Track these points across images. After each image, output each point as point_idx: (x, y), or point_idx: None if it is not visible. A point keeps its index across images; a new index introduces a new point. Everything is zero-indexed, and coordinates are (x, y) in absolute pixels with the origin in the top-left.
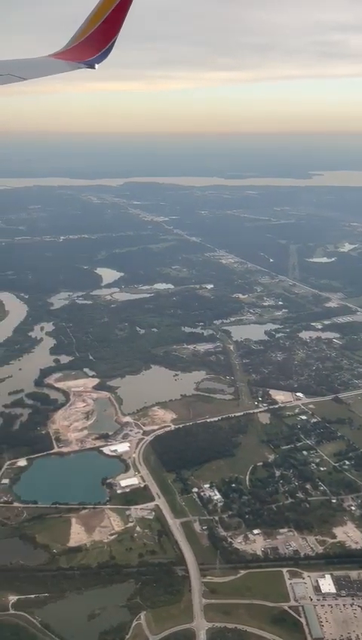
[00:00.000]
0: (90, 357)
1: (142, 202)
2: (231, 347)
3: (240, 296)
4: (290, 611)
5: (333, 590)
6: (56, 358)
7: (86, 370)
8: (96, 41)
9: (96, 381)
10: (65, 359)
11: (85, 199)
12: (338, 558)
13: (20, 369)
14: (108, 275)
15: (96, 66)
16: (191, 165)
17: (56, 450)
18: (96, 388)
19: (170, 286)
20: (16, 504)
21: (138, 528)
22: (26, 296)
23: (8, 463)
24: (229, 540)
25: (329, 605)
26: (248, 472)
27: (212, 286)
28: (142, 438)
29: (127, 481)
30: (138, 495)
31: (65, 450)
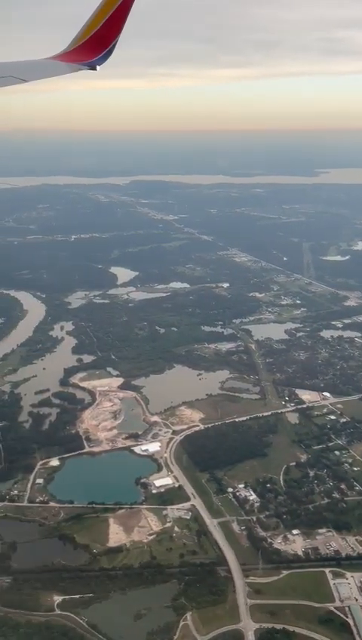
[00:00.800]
0: (113, 356)
1: (150, 201)
2: (253, 346)
3: (257, 294)
4: (337, 612)
5: None
6: (79, 357)
7: (109, 369)
8: (97, 43)
9: (120, 380)
10: (87, 359)
11: (93, 198)
12: None
13: (44, 368)
14: (123, 274)
15: (98, 67)
16: (196, 163)
17: (87, 449)
18: (122, 387)
19: (186, 285)
20: (52, 504)
21: (176, 528)
22: (43, 296)
23: (41, 462)
24: (269, 540)
25: None
26: (281, 473)
27: (228, 285)
28: (172, 438)
29: (161, 481)
30: (173, 495)
31: (96, 449)
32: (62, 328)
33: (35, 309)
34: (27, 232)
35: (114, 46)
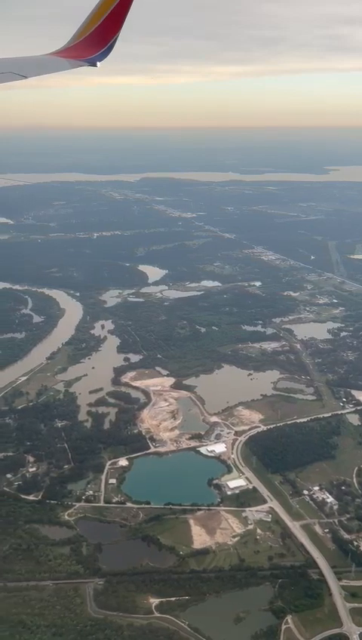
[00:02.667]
0: (159, 355)
1: (165, 198)
2: (298, 346)
3: (292, 293)
4: None
5: None
6: (126, 356)
7: (158, 368)
8: (97, 39)
9: (171, 380)
10: (134, 358)
11: (107, 195)
12: None
13: (93, 367)
14: (152, 272)
15: (98, 63)
16: (202, 160)
17: (153, 449)
18: (174, 387)
19: (217, 283)
20: (129, 504)
21: (259, 531)
22: (77, 294)
23: (110, 462)
24: (355, 543)
25: None
26: (354, 475)
27: (260, 283)
28: (236, 439)
29: (235, 483)
30: (248, 497)
31: (162, 450)
32: (102, 327)
33: (71, 308)
34: (48, 230)
35: (114, 42)
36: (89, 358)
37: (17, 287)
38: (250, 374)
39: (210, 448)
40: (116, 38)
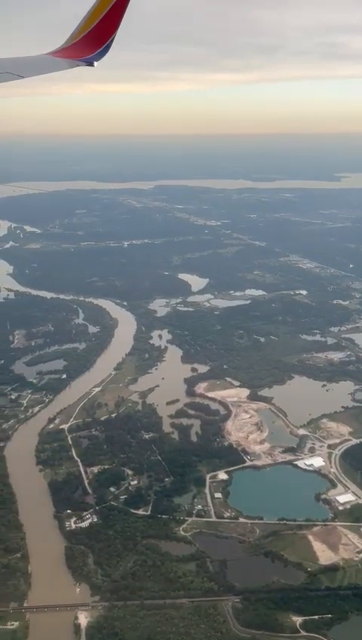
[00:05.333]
0: (225, 366)
1: (184, 206)
2: None
3: (342, 302)
4: None
5: None
6: (192, 367)
7: (228, 379)
8: (94, 39)
9: (245, 391)
10: (201, 368)
11: (125, 203)
12: None
13: (163, 378)
14: (193, 281)
15: (95, 63)
16: (209, 167)
17: (249, 463)
18: (250, 398)
19: (262, 292)
20: (241, 520)
21: None
22: (125, 303)
23: (209, 476)
24: None
25: None
26: None
27: (306, 292)
28: (331, 452)
29: (344, 498)
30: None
31: (258, 463)
32: (160, 337)
33: (123, 317)
34: (77, 238)
35: (111, 42)
36: (156, 369)
37: (63, 296)
38: (324, 385)
39: (307, 462)
40: (113, 38)
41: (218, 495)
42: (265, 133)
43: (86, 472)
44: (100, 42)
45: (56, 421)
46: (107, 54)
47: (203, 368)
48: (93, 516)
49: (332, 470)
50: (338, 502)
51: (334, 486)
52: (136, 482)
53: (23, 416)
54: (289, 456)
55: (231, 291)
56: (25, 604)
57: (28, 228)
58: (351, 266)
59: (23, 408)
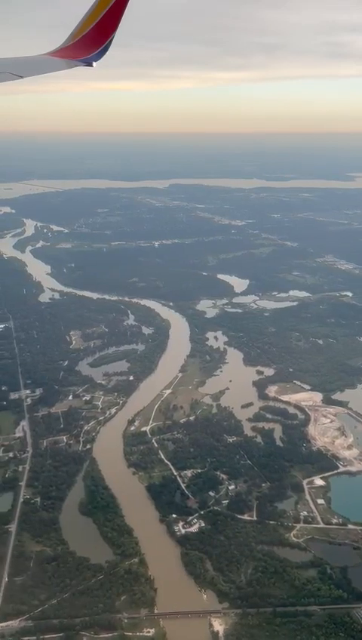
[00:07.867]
0: (290, 369)
1: (205, 205)
2: None
3: None
4: None
5: None
6: (257, 369)
7: (297, 382)
8: (93, 39)
9: (318, 395)
10: (266, 371)
11: (144, 202)
12: None
13: (231, 380)
14: (234, 281)
15: (94, 63)
16: (218, 166)
17: (343, 469)
18: (325, 402)
19: (306, 294)
20: (350, 526)
21: None
22: (170, 304)
23: (306, 481)
24: None
25: None
26: None
27: (351, 294)
28: None
29: None
30: None
31: (352, 469)
32: (216, 339)
33: (174, 319)
34: (106, 238)
35: (110, 43)
36: (221, 371)
37: (107, 297)
38: None
39: None
40: (112, 39)
41: (320, 501)
42: (268, 132)
43: (181, 476)
44: (99, 43)
45: (136, 423)
46: (107, 53)
47: (268, 371)
48: (200, 521)
49: None
50: None
51: None
52: (233, 487)
53: (102, 418)
54: None
55: (275, 293)
56: (155, 611)
57: (54, 227)
58: None
59: (99, 410)
